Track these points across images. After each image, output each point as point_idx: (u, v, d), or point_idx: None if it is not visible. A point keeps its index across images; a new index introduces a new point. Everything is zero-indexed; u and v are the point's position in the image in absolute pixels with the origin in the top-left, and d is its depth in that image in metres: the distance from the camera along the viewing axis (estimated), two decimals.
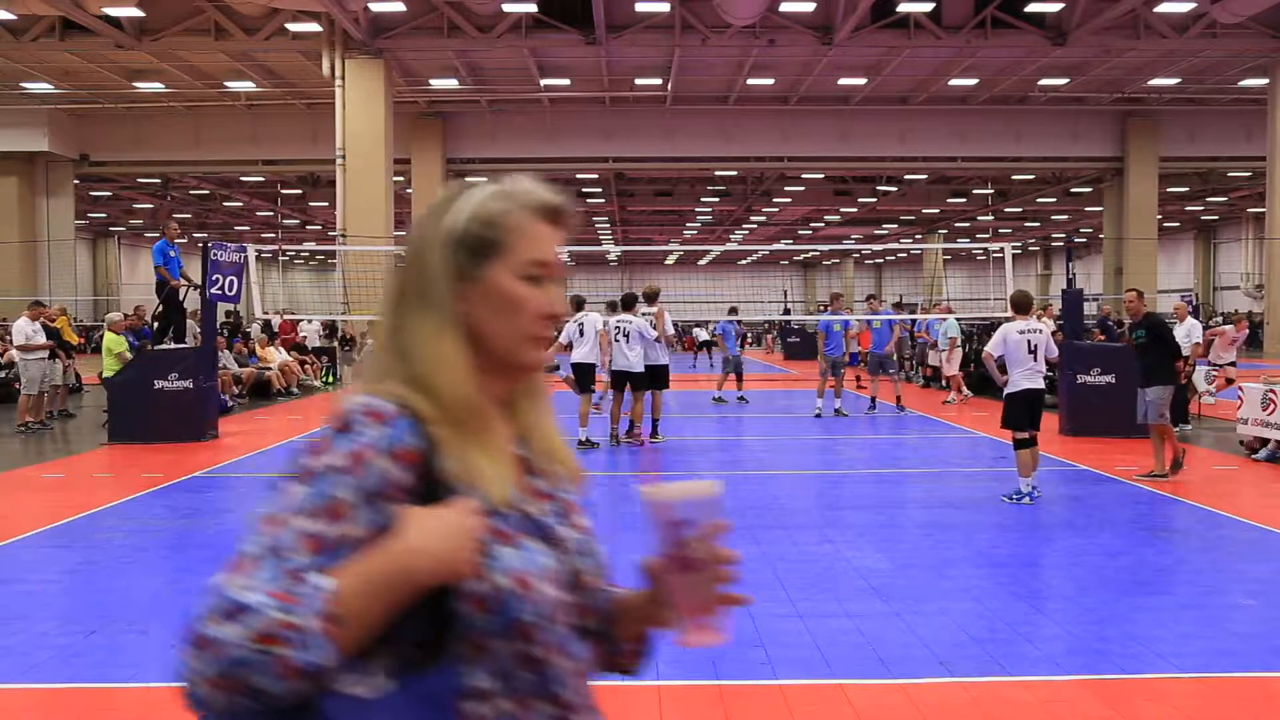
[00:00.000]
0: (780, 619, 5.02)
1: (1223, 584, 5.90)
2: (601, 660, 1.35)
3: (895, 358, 16.96)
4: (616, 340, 11.54)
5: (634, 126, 29.27)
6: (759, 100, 28.46)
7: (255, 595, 0.97)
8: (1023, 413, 8.15)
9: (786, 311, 47.15)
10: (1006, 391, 8.29)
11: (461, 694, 1.06)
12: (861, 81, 26.09)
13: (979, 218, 46.00)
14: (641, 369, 11.59)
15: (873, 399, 15.82)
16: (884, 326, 16.22)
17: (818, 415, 14.79)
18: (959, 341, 17.58)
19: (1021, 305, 8.57)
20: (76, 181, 31.06)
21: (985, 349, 8.70)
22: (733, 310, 21.50)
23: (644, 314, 11.92)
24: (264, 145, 29.59)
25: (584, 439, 11.21)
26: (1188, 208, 43.86)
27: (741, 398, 17.44)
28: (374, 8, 21.62)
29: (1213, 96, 28.07)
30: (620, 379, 11.59)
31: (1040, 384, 8.27)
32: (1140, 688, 4.18)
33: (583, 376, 11.53)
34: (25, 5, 19.97)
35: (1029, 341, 8.16)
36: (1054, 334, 16.80)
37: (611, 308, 12.09)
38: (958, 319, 18.04)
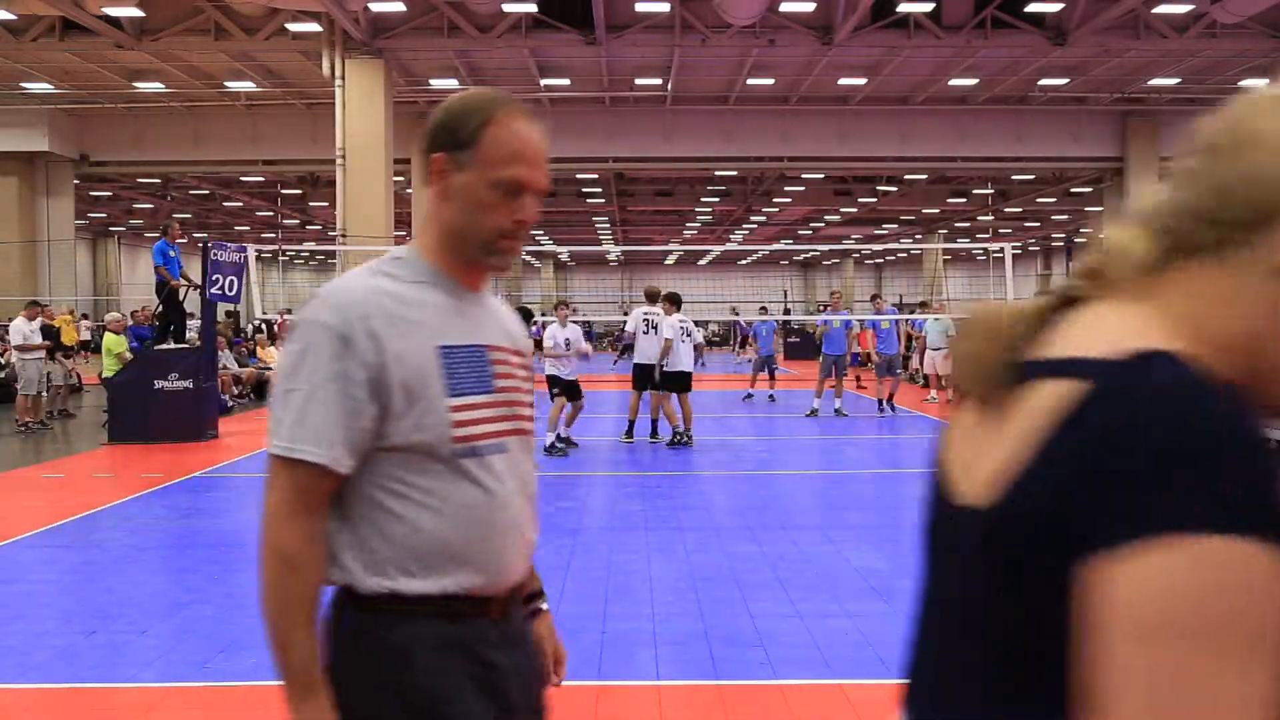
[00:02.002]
0: (780, 619, 5.02)
1: None
2: None
3: (901, 358, 17.01)
4: (683, 341, 11.64)
5: (634, 126, 29.26)
6: (759, 100, 28.46)
7: None
8: None
9: (787, 311, 47.17)
10: None
11: None
12: (861, 81, 26.09)
13: (979, 218, 46.00)
14: (692, 368, 11.89)
15: (879, 400, 15.76)
16: (892, 327, 16.25)
17: (812, 413, 14.81)
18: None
19: None
20: (76, 181, 31.05)
21: None
22: (763, 309, 21.67)
23: (646, 313, 11.94)
24: (264, 145, 29.59)
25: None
26: None
27: (771, 397, 17.57)
28: (374, 8, 21.62)
29: (1213, 96, 28.04)
30: (680, 380, 11.67)
31: None
32: None
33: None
34: (25, 5, 19.97)
35: None
36: None
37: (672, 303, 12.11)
38: (951, 318, 18.04)
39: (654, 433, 11.95)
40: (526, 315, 9.76)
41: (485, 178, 1.56)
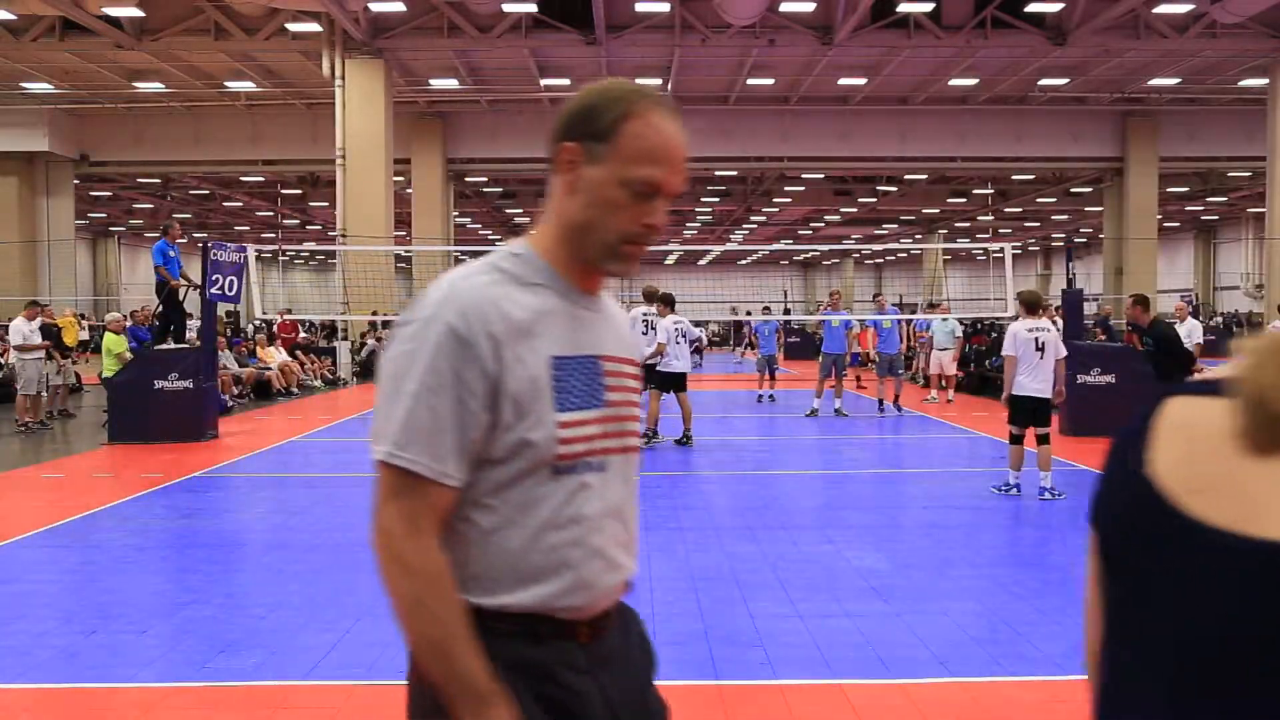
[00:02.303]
0: (780, 619, 5.01)
1: None
2: None
3: (903, 358, 16.98)
4: (678, 342, 11.65)
5: None
6: (759, 100, 28.47)
7: None
8: (1025, 414, 8.26)
9: (787, 311, 47.17)
10: (1013, 392, 8.32)
11: None
12: (861, 81, 26.09)
13: (979, 218, 46.01)
14: (688, 369, 11.96)
15: (880, 400, 15.69)
16: (894, 326, 16.21)
17: (812, 414, 14.79)
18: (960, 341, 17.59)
19: (1030, 304, 8.56)
20: (76, 181, 31.07)
21: (1004, 352, 8.62)
22: (766, 309, 21.68)
23: (644, 313, 11.94)
24: (264, 145, 29.60)
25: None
26: (1188, 208, 43.87)
27: (771, 397, 17.55)
28: (374, 8, 21.63)
29: (1213, 96, 28.07)
30: (674, 380, 11.69)
31: (1048, 392, 8.25)
32: None
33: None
34: (25, 5, 19.97)
35: (1036, 340, 8.21)
36: None
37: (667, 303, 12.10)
38: (957, 319, 18.03)
39: (655, 433, 11.94)
40: None
41: (618, 175, 1.45)
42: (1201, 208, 44.24)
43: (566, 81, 26.21)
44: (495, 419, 1.38)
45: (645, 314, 11.83)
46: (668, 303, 11.95)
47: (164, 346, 12.84)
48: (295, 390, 18.84)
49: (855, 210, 43.54)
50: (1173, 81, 26.24)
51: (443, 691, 1.38)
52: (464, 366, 1.35)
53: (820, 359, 15.39)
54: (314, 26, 22.19)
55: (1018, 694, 4.12)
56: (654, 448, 11.47)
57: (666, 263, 62.66)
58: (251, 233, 50.27)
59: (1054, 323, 17.36)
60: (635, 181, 1.44)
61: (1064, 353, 8.45)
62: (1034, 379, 8.22)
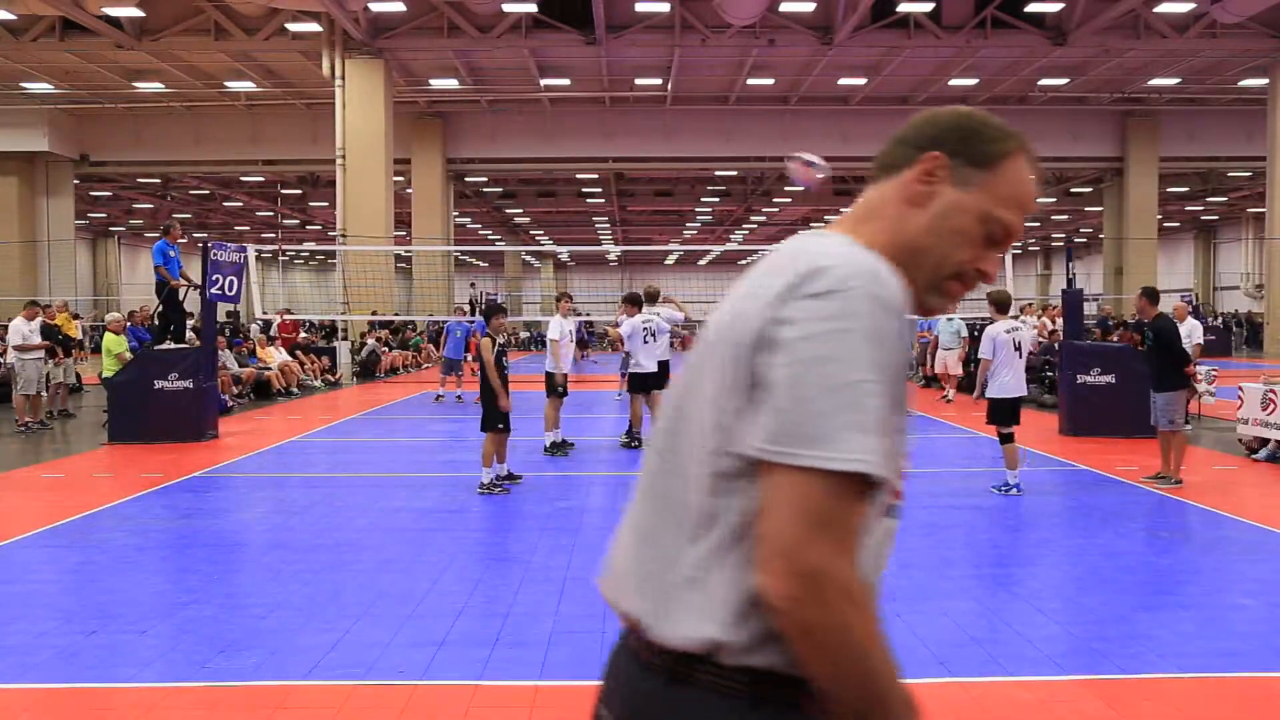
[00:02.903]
0: None
1: (1223, 584, 5.90)
2: None
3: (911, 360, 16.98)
4: (646, 341, 11.29)
5: (634, 126, 29.27)
6: (759, 100, 28.48)
7: None
8: (1008, 412, 8.37)
9: None
10: (994, 394, 8.41)
11: None
12: (861, 81, 26.11)
13: None
14: (654, 368, 11.51)
15: None
16: (912, 326, 16.18)
17: None
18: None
19: (1002, 304, 8.65)
20: (76, 181, 31.09)
21: (981, 355, 8.68)
22: None
23: (644, 321, 11.76)
24: (264, 145, 29.61)
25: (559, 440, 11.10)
26: (1188, 208, 43.88)
27: None
28: (374, 8, 21.63)
29: (1213, 96, 28.08)
30: (642, 380, 11.31)
31: (1025, 389, 8.61)
32: (1140, 688, 4.18)
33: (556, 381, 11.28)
34: (25, 5, 19.98)
35: (1014, 340, 8.37)
36: (1051, 334, 16.82)
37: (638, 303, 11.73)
38: (962, 318, 18.02)
39: (637, 436, 11.68)
40: (497, 309, 9.31)
41: (983, 208, 1.28)
42: (1201, 208, 44.22)
43: (567, 81, 26.22)
44: None
45: (645, 321, 11.47)
46: (633, 302, 11.56)
47: (164, 346, 12.83)
48: (295, 390, 18.83)
49: None
50: (1173, 81, 26.25)
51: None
52: (894, 356, 1.12)
53: None
54: (314, 26, 22.20)
55: (1018, 694, 4.12)
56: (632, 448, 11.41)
57: (666, 263, 62.71)
58: (251, 233, 50.27)
59: (1053, 323, 17.47)
60: (997, 221, 1.29)
61: (1030, 349, 8.87)
62: (1015, 378, 8.46)
